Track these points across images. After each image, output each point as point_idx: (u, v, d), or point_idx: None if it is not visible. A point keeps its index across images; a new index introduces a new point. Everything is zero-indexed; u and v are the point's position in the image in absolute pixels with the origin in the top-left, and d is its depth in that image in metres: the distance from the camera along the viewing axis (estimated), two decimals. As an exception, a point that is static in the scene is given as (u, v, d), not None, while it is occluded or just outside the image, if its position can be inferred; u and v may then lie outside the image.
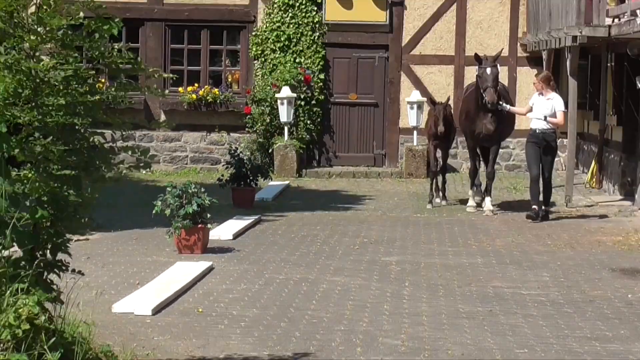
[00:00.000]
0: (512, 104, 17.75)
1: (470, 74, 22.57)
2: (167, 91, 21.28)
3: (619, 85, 18.69)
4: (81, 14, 7.17)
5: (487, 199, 17.13)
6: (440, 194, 18.22)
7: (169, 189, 13.13)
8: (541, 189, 16.26)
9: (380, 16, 22.87)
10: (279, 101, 22.02)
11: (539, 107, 16.31)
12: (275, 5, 22.87)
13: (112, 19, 7.24)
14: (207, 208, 13.02)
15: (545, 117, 16.14)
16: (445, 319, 9.81)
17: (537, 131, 16.29)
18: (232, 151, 17.80)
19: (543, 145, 16.27)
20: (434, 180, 18.13)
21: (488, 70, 16.44)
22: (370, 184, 21.33)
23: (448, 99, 18.32)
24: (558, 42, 18.65)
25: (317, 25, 22.91)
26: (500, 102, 16.56)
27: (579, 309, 10.29)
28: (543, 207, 16.21)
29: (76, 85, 7.20)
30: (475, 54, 17.11)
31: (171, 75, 9.06)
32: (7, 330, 6.40)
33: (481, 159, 17.94)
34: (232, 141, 22.64)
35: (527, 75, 22.50)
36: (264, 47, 22.90)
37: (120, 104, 7.58)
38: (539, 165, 16.27)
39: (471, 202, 17.43)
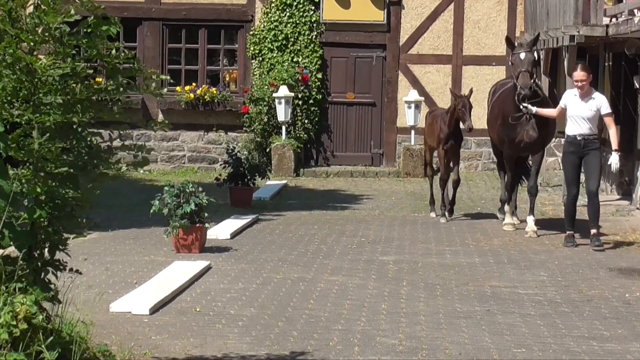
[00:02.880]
0: (549, 104, 14.81)
1: (468, 73, 22.70)
2: (165, 90, 21.28)
3: (616, 84, 18.69)
4: (72, 11, 7.17)
5: (530, 218, 14.75)
6: (447, 207, 16.28)
7: (166, 188, 13.13)
8: (584, 206, 14.18)
9: (377, 15, 22.89)
10: (276, 100, 22.04)
11: (578, 108, 13.69)
12: (272, 5, 22.90)
13: (110, 19, 7.24)
14: (204, 207, 13.02)
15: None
16: (443, 318, 9.81)
17: (578, 138, 13.61)
18: (230, 150, 17.81)
19: (585, 155, 13.66)
20: (444, 191, 16.37)
21: (522, 55, 14.32)
22: (368, 184, 21.34)
23: (471, 92, 16.05)
24: (556, 42, 18.66)
25: (314, 25, 22.93)
26: (526, 104, 14.24)
27: (576, 309, 10.30)
28: (592, 231, 13.65)
29: (74, 84, 7.21)
30: (507, 37, 15.62)
31: (167, 77, 9.06)
32: (5, 330, 6.41)
33: (509, 170, 15.49)
34: (229, 140, 22.65)
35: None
36: (262, 46, 22.92)
37: (118, 102, 7.59)
38: (578, 183, 13.89)
39: (509, 220, 15.27)
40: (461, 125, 15.79)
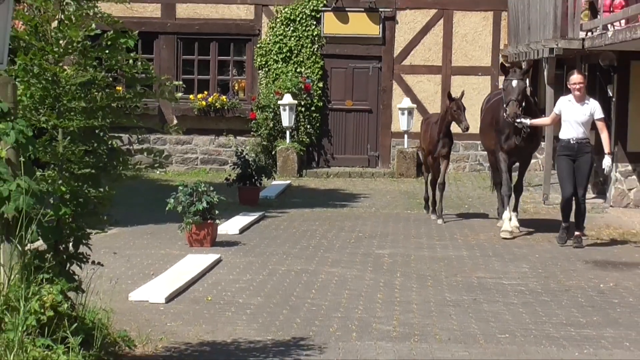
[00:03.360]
0: (538, 114, 14.82)
1: (457, 83, 22.68)
2: (179, 94, 21.27)
3: (592, 93, 18.65)
4: (93, 25, 7.18)
5: (514, 214, 14.50)
6: (438, 211, 15.72)
7: (180, 187, 13.12)
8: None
9: (374, 30, 22.87)
10: (281, 107, 22.02)
11: (573, 113, 13.27)
12: (278, 20, 22.89)
13: (129, 32, 7.25)
14: (215, 205, 13.01)
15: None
16: (434, 306, 9.80)
17: (572, 142, 13.22)
18: (239, 153, 17.80)
19: (578, 158, 13.24)
20: (433, 194, 16.01)
21: (514, 82, 13.82)
22: (365, 183, 21.31)
23: (462, 95, 15.46)
24: (536, 54, 18.65)
25: (316, 38, 22.91)
26: (519, 120, 13.72)
27: (555, 298, 10.29)
28: (576, 232, 13.37)
29: (95, 92, 7.22)
30: (502, 64, 14.90)
31: (181, 83, 9.05)
32: (33, 317, 6.41)
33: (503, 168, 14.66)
34: (238, 144, 22.63)
35: (508, 84, 22.53)
36: (268, 58, 22.90)
37: (136, 109, 7.59)
38: (573, 183, 13.19)
39: (506, 226, 14.16)
40: (454, 128, 15.42)
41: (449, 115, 15.22)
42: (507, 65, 14.76)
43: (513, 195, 14.56)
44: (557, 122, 13.81)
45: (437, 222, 15.44)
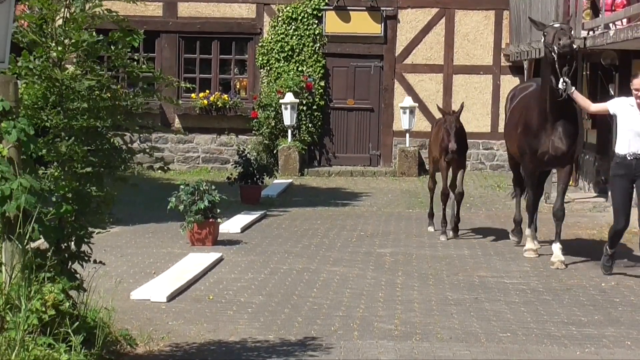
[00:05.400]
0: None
1: (458, 82, 22.68)
2: (180, 102, 21.27)
3: (593, 91, 18.66)
4: (94, 34, 7.18)
5: (556, 246, 11.85)
6: (451, 225, 13.96)
7: (182, 186, 13.12)
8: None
9: (375, 29, 22.85)
10: (283, 106, 22.02)
11: (632, 121, 10.72)
12: (279, 19, 22.88)
13: (134, 31, 7.24)
14: (217, 204, 13.01)
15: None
16: (435, 305, 9.79)
17: (629, 158, 10.72)
18: (240, 152, 17.80)
19: (637, 178, 10.77)
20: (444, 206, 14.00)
21: (555, 24, 11.70)
22: (366, 182, 21.31)
23: (462, 108, 13.90)
24: (538, 52, 18.63)
25: (317, 37, 22.90)
26: (567, 80, 11.26)
27: (557, 297, 10.28)
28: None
29: (98, 92, 7.22)
30: (529, 18, 12.87)
31: (189, 85, 9.08)
32: (35, 315, 6.40)
33: (530, 186, 12.58)
34: (240, 143, 22.63)
35: (510, 83, 22.52)
36: (269, 56, 22.90)
37: (139, 109, 7.59)
38: (629, 212, 10.83)
39: (530, 245, 12.38)
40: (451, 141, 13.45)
41: (443, 130, 13.51)
42: (535, 20, 12.54)
43: (554, 222, 12.11)
44: (599, 115, 11.83)
45: (440, 239, 13.73)
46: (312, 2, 22.84)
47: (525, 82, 14.91)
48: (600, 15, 16.30)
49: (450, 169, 13.80)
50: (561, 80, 11.25)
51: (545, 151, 11.86)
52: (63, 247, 7.19)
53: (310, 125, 22.68)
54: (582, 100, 11.68)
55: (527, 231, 12.62)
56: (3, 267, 6.58)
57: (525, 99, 12.50)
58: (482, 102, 22.65)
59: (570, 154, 11.92)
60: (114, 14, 7.23)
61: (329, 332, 8.60)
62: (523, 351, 8.14)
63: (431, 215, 14.69)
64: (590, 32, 16.87)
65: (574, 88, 11.51)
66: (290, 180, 20.83)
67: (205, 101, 22.82)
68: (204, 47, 23.32)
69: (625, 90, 17.08)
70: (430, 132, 15.04)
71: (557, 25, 11.61)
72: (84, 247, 7.32)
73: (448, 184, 13.87)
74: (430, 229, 14.53)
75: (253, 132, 22.83)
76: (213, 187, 13.18)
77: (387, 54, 23.00)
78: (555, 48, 11.24)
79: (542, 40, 11.75)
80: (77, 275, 7.26)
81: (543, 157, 11.91)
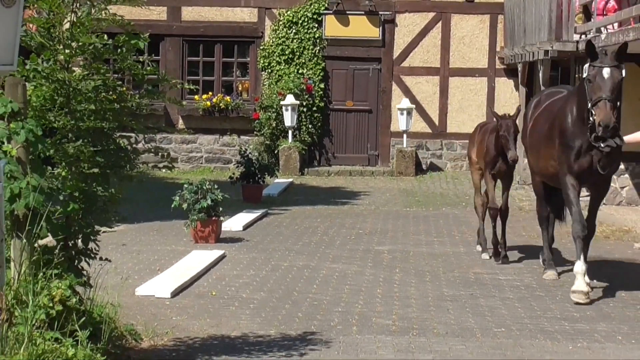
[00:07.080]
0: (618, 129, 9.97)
1: (454, 84, 22.68)
2: (184, 102, 21.26)
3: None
4: (105, 37, 7.19)
5: (584, 269, 9.88)
6: (504, 250, 11.94)
7: (186, 185, 13.13)
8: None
9: (374, 32, 22.86)
10: (283, 108, 22.02)
11: None
12: (280, 23, 22.89)
13: (140, 34, 7.25)
14: (219, 203, 13.02)
15: None
16: (432, 301, 9.80)
17: None
18: (242, 152, 17.82)
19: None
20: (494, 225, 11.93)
21: (606, 71, 9.46)
22: (365, 182, 21.31)
23: (518, 111, 11.75)
24: (532, 56, 18.65)
25: (317, 40, 22.91)
26: (608, 142, 9.54)
27: (550, 293, 10.29)
28: None
29: (104, 94, 7.22)
30: (588, 42, 10.01)
31: (193, 86, 9.09)
32: (42, 311, 6.41)
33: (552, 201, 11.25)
34: (242, 143, 22.64)
35: (504, 85, 22.61)
36: (271, 59, 22.91)
37: (144, 110, 7.60)
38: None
39: (581, 285, 9.75)
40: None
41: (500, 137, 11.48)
42: (594, 44, 10.08)
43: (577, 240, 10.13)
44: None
45: (482, 257, 12.13)
46: (312, 6, 22.85)
47: (552, 87, 13.16)
48: (592, 20, 16.30)
49: (497, 181, 11.89)
50: (605, 144, 9.64)
51: (583, 168, 9.99)
52: (70, 244, 7.19)
53: (310, 126, 22.68)
54: (634, 138, 10.28)
55: (578, 265, 9.91)
56: (12, 264, 6.59)
57: (556, 106, 10.53)
58: (477, 104, 22.64)
59: (612, 170, 10.21)
60: (120, 17, 7.23)
61: (329, 327, 8.60)
62: (517, 346, 8.14)
63: (484, 238, 12.36)
64: (583, 36, 16.88)
65: (627, 137, 10.05)
66: (290, 180, 20.83)
67: (208, 103, 22.83)
68: (207, 50, 23.32)
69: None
70: (472, 138, 12.71)
71: (606, 72, 9.49)
72: (91, 245, 7.32)
73: (495, 197, 11.95)
74: (485, 256, 12.16)
75: (255, 132, 22.83)
76: (216, 186, 13.19)
77: (385, 57, 23.01)
78: (595, 121, 9.51)
79: (585, 78, 9.74)
80: (84, 272, 7.27)
81: (581, 174, 10.02)
